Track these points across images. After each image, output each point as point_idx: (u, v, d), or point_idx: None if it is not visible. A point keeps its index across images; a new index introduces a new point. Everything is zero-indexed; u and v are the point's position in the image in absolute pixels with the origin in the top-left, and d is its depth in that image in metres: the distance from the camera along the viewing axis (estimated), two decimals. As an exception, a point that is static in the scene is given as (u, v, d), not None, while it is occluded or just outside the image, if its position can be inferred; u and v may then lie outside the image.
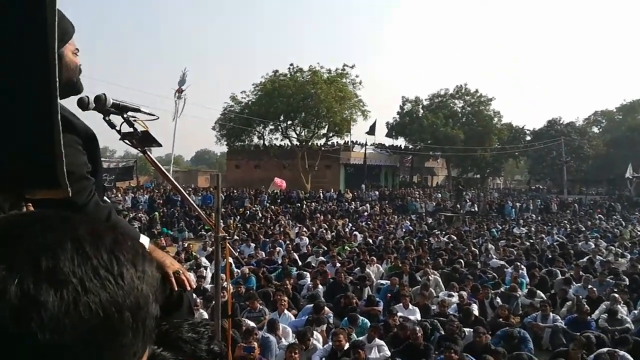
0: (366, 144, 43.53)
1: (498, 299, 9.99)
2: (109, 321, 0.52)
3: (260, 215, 24.47)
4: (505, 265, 13.22)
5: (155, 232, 18.72)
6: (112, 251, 0.56)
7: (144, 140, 2.10)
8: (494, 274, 12.45)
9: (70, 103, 1.81)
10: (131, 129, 2.03)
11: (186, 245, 15.81)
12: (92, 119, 1.99)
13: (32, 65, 1.29)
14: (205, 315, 7.80)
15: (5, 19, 1.24)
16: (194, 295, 9.23)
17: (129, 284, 0.55)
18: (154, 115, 2.14)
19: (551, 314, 8.97)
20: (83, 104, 1.88)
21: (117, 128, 2.03)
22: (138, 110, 2.07)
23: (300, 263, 13.68)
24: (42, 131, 1.32)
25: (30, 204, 1.47)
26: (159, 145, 2.19)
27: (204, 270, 11.60)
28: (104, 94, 1.94)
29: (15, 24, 1.24)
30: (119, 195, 24.87)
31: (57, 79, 1.29)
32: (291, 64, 40.73)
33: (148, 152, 2.31)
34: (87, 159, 1.73)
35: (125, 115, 2.01)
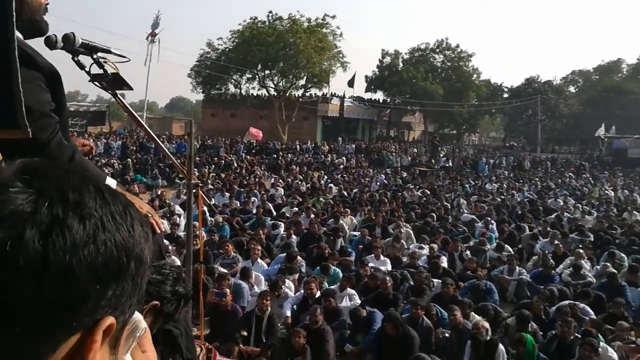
0: (344, 97, 43.21)
1: (467, 252, 10.23)
2: (118, 262, 0.56)
3: (235, 165, 24.33)
4: (475, 220, 13.48)
5: (128, 179, 18.51)
6: (126, 206, 0.61)
7: (114, 82, 2.05)
8: (465, 228, 12.70)
9: (37, 42, 1.74)
10: (101, 71, 1.99)
11: (159, 192, 15.69)
12: (61, 59, 1.93)
13: None
14: (178, 262, 7.80)
15: None
16: (166, 242, 9.22)
17: (137, 237, 0.59)
18: (124, 57, 2.07)
19: (517, 267, 9.23)
20: (50, 43, 1.82)
21: (87, 69, 1.98)
22: (108, 52, 2.01)
23: (274, 213, 13.73)
24: None
25: None
26: (130, 88, 2.14)
27: (178, 218, 11.56)
28: (72, 32, 1.87)
29: None
30: (91, 140, 24.37)
31: (13, 14, 1.23)
32: (270, 12, 39.94)
33: (119, 96, 2.24)
34: (50, 97, 1.66)
35: (95, 56, 1.95)
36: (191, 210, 3.36)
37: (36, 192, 0.53)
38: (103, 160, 20.35)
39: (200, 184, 3.51)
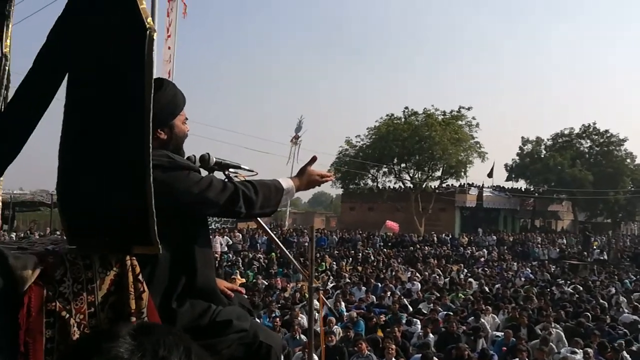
0: (482, 186, 42.14)
1: (629, 359, 9.16)
2: None
3: (372, 258, 24.51)
4: (638, 321, 12.08)
5: (272, 273, 19.53)
6: None
7: None
8: (626, 330, 11.43)
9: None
10: None
11: (300, 286, 16.26)
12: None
13: (129, 139, 1.49)
14: (316, 358, 7.96)
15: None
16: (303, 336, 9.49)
17: None
18: (253, 171, 2.36)
19: (693, 380, 8.05)
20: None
21: None
22: (239, 167, 2.31)
23: (410, 309, 13.49)
24: (136, 198, 1.51)
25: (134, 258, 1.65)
26: None
27: (316, 313, 11.83)
28: (207, 153, 2.22)
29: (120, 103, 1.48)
30: (240, 235, 26.55)
31: (150, 139, 1.47)
32: (406, 108, 41.07)
33: None
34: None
35: (227, 172, 2.25)
36: (312, 314, 3.54)
37: (137, 344, 0.68)
38: (250, 255, 21.84)
39: (321, 289, 3.74)
